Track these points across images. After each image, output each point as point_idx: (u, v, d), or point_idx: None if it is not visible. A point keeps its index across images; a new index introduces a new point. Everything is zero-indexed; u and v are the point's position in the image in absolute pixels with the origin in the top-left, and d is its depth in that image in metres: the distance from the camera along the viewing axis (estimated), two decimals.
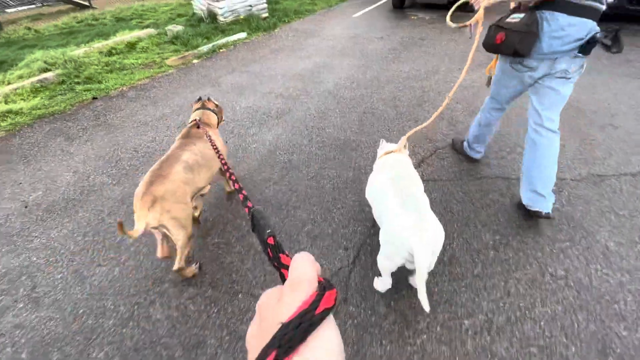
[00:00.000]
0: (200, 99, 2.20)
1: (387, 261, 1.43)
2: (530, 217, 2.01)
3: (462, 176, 2.47)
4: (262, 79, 4.37)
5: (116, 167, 2.79)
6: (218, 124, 2.19)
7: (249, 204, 0.48)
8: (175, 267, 1.65)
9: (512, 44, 1.68)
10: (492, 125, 2.31)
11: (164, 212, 1.50)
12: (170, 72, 4.80)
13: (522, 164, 1.99)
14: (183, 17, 7.99)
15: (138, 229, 1.44)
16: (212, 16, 7.03)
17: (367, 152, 2.80)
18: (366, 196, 1.82)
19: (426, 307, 1.23)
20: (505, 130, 2.93)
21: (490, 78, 2.15)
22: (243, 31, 6.57)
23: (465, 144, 2.58)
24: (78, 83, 4.38)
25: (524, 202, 1.97)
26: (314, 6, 8.97)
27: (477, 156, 2.54)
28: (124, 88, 4.31)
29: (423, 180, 1.77)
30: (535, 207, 1.91)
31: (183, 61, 5.14)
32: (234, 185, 0.60)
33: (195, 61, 5.20)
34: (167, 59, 5.21)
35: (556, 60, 1.68)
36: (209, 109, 2.13)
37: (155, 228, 1.54)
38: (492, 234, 1.99)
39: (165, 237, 1.66)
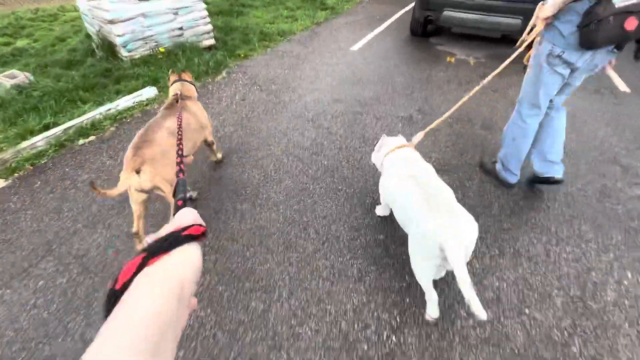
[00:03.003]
0: (174, 71, 2.20)
1: (424, 262, 1.31)
2: (542, 182, 2.05)
3: None
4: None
5: None
6: None
7: (180, 175, 0.62)
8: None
9: None
10: (529, 137, 1.98)
11: (155, 174, 1.49)
12: None
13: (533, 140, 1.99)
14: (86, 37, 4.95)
15: (119, 188, 1.46)
16: (108, 49, 4.04)
17: None
18: (381, 191, 1.71)
19: (482, 314, 1.05)
20: None
21: (526, 67, 1.92)
22: (157, 81, 3.63)
23: (498, 165, 2.19)
24: None
25: (537, 170, 2.03)
26: (293, 23, 6.04)
27: (513, 180, 2.14)
28: None
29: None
30: (548, 174, 1.98)
31: None
32: (178, 167, 0.69)
33: None
34: None
35: (594, 55, 1.62)
36: (187, 81, 2.12)
37: (149, 191, 1.53)
38: None
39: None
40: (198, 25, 4.47)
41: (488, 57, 4.50)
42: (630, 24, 1.44)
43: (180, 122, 1.27)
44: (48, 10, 6.40)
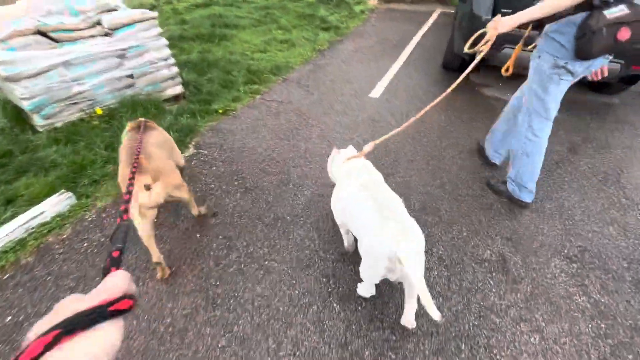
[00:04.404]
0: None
1: (370, 270, 1.36)
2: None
3: None
4: None
5: None
6: None
7: (125, 216, 0.55)
8: (196, 213, 1.84)
9: None
10: (542, 150, 2.06)
11: (167, 185, 1.49)
12: None
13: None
14: None
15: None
16: (15, 116, 2.70)
17: None
18: (333, 207, 1.67)
19: (436, 315, 1.10)
20: None
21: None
22: (82, 170, 2.31)
23: (510, 186, 2.19)
24: None
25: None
26: (289, 51, 4.75)
27: (530, 199, 2.16)
28: None
29: None
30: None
31: None
32: (125, 192, 0.67)
33: None
34: None
35: (592, 63, 1.65)
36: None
37: (162, 204, 1.50)
38: None
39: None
40: (158, 69, 3.14)
41: (567, 111, 3.17)
42: (623, 34, 1.47)
43: (140, 148, 1.35)
44: None
